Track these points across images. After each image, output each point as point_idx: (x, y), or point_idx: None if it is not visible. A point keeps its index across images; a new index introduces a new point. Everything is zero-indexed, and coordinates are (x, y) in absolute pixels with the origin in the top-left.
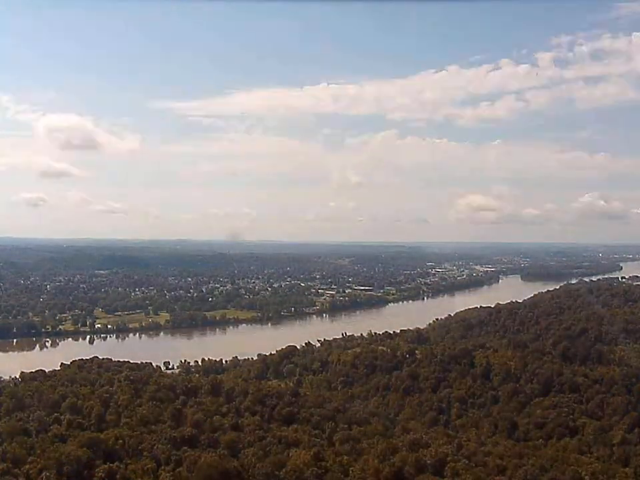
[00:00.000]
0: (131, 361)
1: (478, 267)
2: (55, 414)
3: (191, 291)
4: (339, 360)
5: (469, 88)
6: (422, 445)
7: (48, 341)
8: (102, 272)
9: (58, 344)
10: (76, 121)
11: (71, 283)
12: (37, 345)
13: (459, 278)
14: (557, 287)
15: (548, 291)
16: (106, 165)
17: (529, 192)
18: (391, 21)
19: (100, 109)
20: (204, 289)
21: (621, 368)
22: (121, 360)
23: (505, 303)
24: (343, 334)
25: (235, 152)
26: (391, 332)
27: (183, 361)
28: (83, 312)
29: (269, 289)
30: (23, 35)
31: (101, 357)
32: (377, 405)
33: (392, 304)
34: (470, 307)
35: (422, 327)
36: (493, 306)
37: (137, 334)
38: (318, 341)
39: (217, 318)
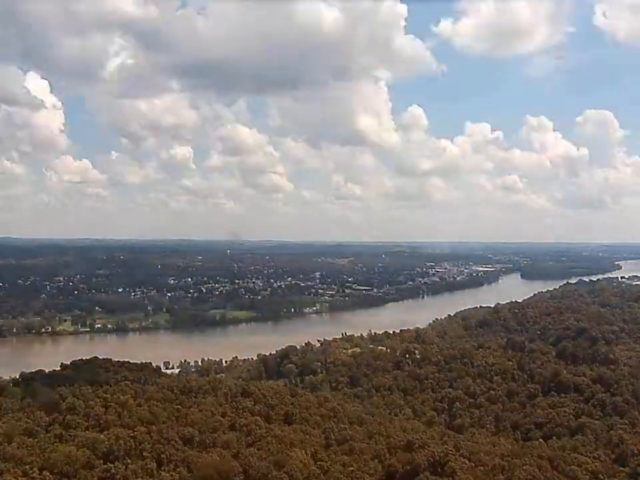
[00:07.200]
0: (131, 361)
1: (478, 267)
2: (55, 414)
3: (191, 291)
4: (339, 360)
5: None
6: (421, 445)
7: (48, 341)
8: (102, 272)
9: (58, 344)
10: None
11: (71, 283)
12: (37, 345)
13: (458, 278)
14: (557, 287)
15: (548, 290)
16: None
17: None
18: None
19: None
20: (204, 289)
21: (621, 368)
22: (121, 360)
23: (504, 302)
24: (342, 334)
25: None
26: (391, 332)
27: (182, 361)
28: (83, 312)
29: (269, 289)
30: None
31: (100, 357)
32: (376, 405)
33: (392, 304)
34: (470, 307)
35: (422, 327)
36: (492, 306)
37: (137, 334)
38: (317, 340)
39: (217, 318)
